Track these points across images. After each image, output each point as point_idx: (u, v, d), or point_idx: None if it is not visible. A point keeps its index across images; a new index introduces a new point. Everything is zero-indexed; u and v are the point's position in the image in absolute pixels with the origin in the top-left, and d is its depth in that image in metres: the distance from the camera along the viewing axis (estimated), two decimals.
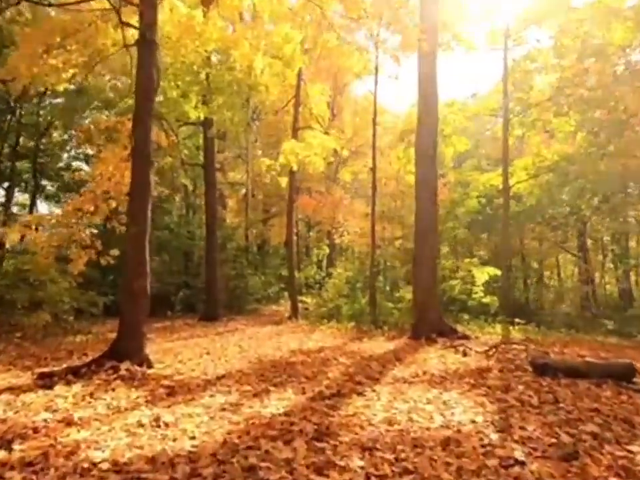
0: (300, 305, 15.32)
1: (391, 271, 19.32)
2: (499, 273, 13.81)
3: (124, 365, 5.92)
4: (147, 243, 6.49)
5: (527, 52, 15.99)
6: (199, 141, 15.79)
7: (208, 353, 8.05)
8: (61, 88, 11.42)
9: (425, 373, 6.28)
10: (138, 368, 5.99)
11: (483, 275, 13.48)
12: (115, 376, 5.65)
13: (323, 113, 15.51)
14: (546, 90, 15.87)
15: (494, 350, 7.68)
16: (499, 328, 11.58)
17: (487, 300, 13.09)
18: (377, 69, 13.03)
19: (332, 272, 19.25)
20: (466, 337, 10.05)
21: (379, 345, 9.54)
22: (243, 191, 25.14)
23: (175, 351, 8.27)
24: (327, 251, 20.22)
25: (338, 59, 12.04)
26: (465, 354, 7.65)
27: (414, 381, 5.81)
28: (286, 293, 24.22)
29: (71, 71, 11.07)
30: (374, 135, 12.62)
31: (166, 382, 5.60)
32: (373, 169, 12.54)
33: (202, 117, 13.63)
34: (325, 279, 19.73)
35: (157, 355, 7.62)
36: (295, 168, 12.59)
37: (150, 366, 6.30)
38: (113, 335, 6.91)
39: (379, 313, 12.46)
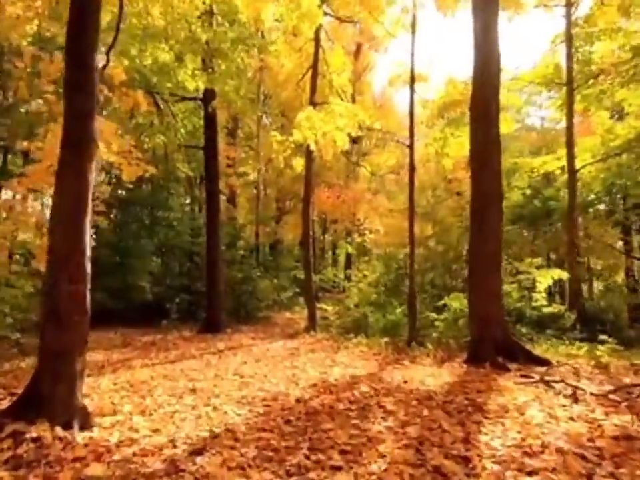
0: (318, 312, 12.84)
1: (427, 274, 16.78)
2: (564, 276, 11.19)
3: (36, 429, 3.51)
4: (87, 224, 4.07)
5: (588, 12, 13.38)
6: (199, 121, 13.44)
7: (193, 391, 5.60)
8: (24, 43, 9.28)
9: (541, 445, 3.72)
10: (61, 432, 3.58)
11: (546, 278, 10.85)
12: (8, 455, 3.23)
13: (344, 85, 13.05)
14: (609, 57, 13.19)
15: (622, 394, 5.09)
16: (576, 347, 8.94)
17: (551, 309, 10.45)
18: (413, 25, 10.53)
19: (352, 275, 16.80)
20: (546, 362, 7.46)
21: (430, 373, 7.03)
22: (254, 190, 22.79)
23: (148, 385, 5.84)
24: (350, 249, 17.74)
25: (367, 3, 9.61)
26: (575, 399, 5.07)
27: (535, 467, 3.28)
28: (301, 299, 21.87)
29: (35, 22, 8.89)
30: (411, 103, 10.14)
31: (98, 468, 3.17)
32: (411, 146, 10.05)
33: (201, 87, 11.29)
34: (345, 283, 17.25)
35: (117, 396, 5.21)
36: (312, 146, 10.15)
37: (85, 425, 3.88)
38: None
39: (419, 326, 9.91)
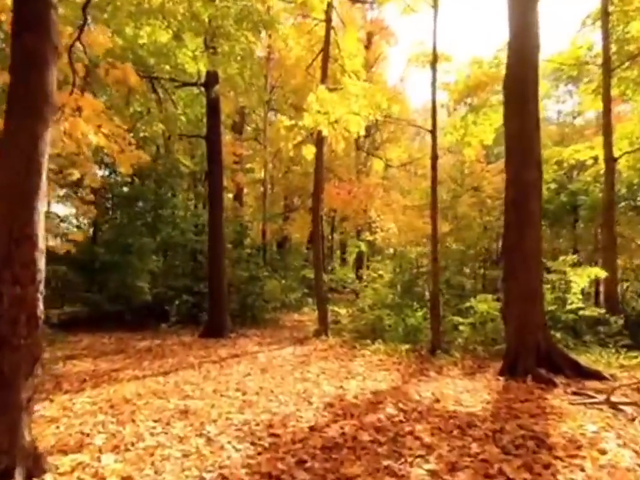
0: (329, 315, 11.84)
1: (442, 274, 15.74)
2: (602, 275, 10.11)
3: None
4: (39, 207, 3.12)
5: None
6: (202, 110, 12.50)
7: (185, 413, 4.64)
8: None
9: None
10: None
11: (582, 278, 9.78)
12: None
13: (357, 71, 12.07)
14: None
15: None
16: (626, 357, 7.87)
17: (590, 312, 9.38)
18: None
19: (363, 275, 15.82)
20: (598, 376, 6.44)
21: (462, 388, 6.05)
22: (261, 188, 21.85)
23: (132, 406, 4.89)
24: (363, 247, 16.75)
25: None
26: None
27: None
28: (310, 300, 20.89)
29: None
30: (433, 84, 9.13)
31: None
32: (433, 131, 9.03)
33: (202, 70, 10.38)
34: (356, 284, 16.27)
35: (90, 421, 4.27)
36: (325, 132, 9.16)
37: (35, 472, 2.93)
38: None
39: (443, 331, 8.89)
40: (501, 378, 6.67)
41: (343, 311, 11.67)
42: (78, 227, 14.77)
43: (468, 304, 9.56)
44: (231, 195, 22.27)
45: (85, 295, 12.34)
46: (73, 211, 14.94)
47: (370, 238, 19.67)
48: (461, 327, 9.41)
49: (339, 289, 20.68)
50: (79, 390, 5.54)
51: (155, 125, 10.94)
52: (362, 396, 5.56)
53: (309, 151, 9.50)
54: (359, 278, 17.43)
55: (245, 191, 24.56)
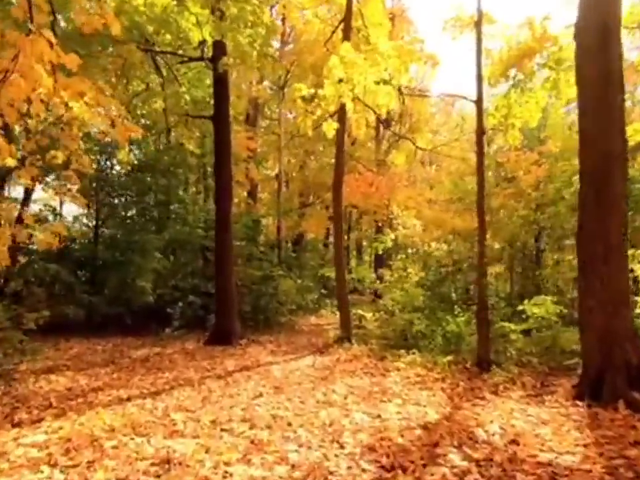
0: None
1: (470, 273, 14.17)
2: None
3: None
4: None
5: None
6: (209, 90, 11.20)
7: (166, 465, 3.28)
8: None
9: None
10: None
11: None
12: None
13: (384, 43, 10.60)
14: None
15: None
16: None
17: None
18: None
19: (385, 275, 14.38)
20: None
21: (535, 418, 4.64)
22: (276, 183, 20.51)
23: (95, 449, 3.53)
24: (389, 242, 15.28)
25: None
26: None
27: None
28: (328, 301, 19.50)
29: None
30: (478, 47, 7.68)
31: None
32: (479, 101, 7.55)
33: (208, 39, 9.08)
34: (377, 284, 14.84)
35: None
36: (348, 105, 7.76)
37: None
38: None
39: (491, 341, 7.40)
40: (580, 403, 5.20)
41: (368, 315, 10.23)
42: (79, 220, 13.58)
43: (520, 307, 8.04)
44: (244, 193, 21.04)
45: (82, 297, 11.14)
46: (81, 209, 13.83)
47: (392, 235, 18.19)
48: (511, 336, 7.91)
49: (359, 289, 19.27)
50: (36, 421, 4.23)
51: (154, 102, 9.66)
52: (408, 432, 4.15)
53: (330, 127, 8.11)
54: (380, 278, 15.98)
55: (259, 188, 23.32)
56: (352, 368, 7.25)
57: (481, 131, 7.64)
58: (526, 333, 8.02)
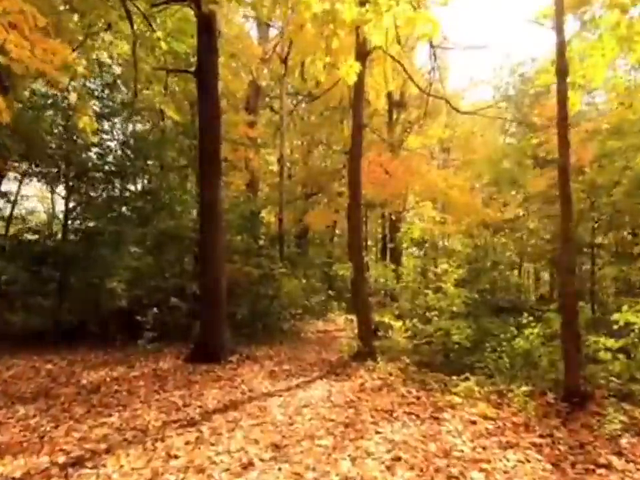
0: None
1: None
2: None
3: None
4: None
5: None
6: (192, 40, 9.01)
7: None
8: None
9: None
10: None
11: None
12: None
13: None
14: None
15: None
16: None
17: None
18: None
19: (403, 273, 12.23)
20: None
21: None
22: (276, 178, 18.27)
23: None
24: (416, 233, 12.99)
25: None
26: None
27: None
28: (335, 304, 17.31)
29: None
30: None
31: None
32: (558, 29, 5.34)
33: None
34: (395, 284, 12.68)
35: None
36: (375, 41, 5.59)
37: None
38: None
39: (586, 365, 5.21)
40: None
41: (397, 324, 8.00)
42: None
43: (615, 316, 5.79)
44: (244, 186, 18.79)
45: (38, 301, 9.00)
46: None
47: (420, 224, 15.93)
48: (601, 354, 5.69)
49: (373, 290, 17.04)
50: None
51: (117, 46, 7.48)
52: None
53: (352, 71, 5.91)
54: (398, 278, 13.74)
55: (260, 180, 21.10)
56: (386, 404, 5.05)
57: (563, 66, 5.43)
58: (621, 350, 5.81)
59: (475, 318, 7.65)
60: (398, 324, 7.82)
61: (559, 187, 5.56)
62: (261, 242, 13.17)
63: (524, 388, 5.15)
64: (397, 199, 16.12)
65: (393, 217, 18.23)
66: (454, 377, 5.80)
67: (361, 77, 7.66)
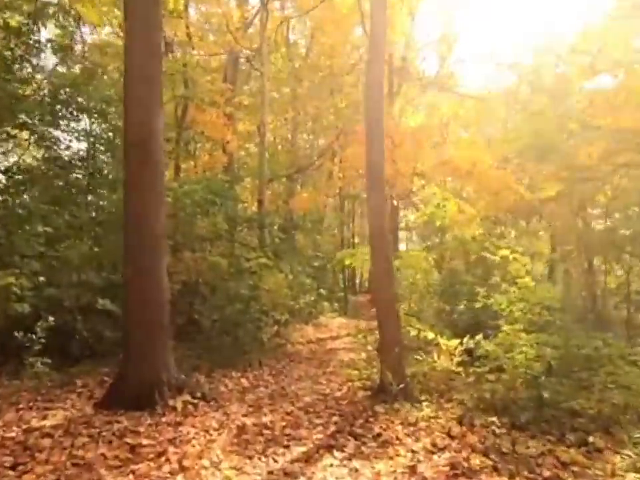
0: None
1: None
2: None
3: None
4: None
5: None
6: None
7: None
8: None
9: None
10: None
11: None
12: None
13: None
14: None
15: None
16: None
17: None
18: None
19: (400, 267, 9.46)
20: None
21: None
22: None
23: None
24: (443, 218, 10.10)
25: None
26: None
27: None
28: (326, 304, 14.37)
29: None
30: None
31: None
32: None
33: None
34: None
35: None
36: None
37: None
38: None
39: None
40: None
41: (449, 342, 5.05)
42: None
43: None
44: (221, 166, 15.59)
45: None
46: None
47: (417, 216, 13.14)
48: None
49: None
50: None
51: None
52: None
53: None
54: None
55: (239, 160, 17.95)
56: None
57: None
58: None
59: (561, 331, 4.89)
60: (451, 342, 4.91)
61: None
62: (239, 227, 10.16)
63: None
64: (404, 179, 13.26)
65: (395, 202, 15.39)
66: (569, 440, 2.96)
67: None
